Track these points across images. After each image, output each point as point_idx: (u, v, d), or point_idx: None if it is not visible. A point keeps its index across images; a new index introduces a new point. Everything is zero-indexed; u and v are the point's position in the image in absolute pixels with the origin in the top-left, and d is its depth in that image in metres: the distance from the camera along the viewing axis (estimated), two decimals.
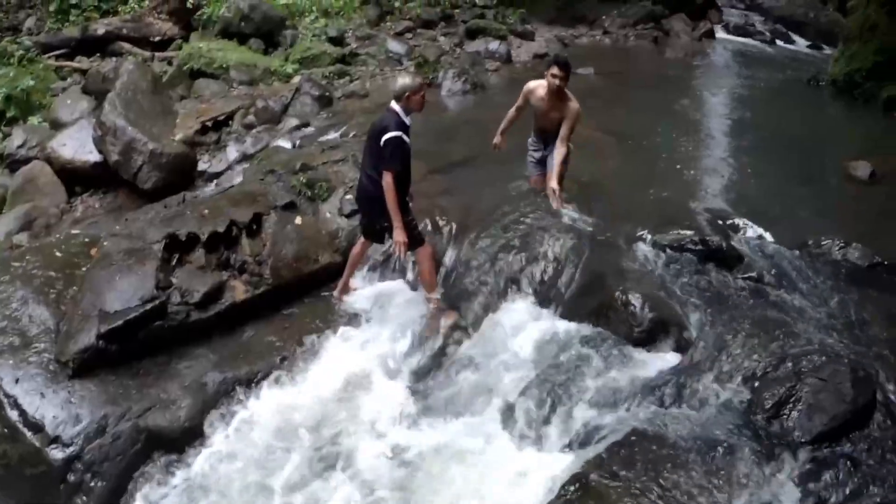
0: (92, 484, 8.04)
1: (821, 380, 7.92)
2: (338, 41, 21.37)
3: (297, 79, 18.41)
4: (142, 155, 13.77)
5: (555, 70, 10.52)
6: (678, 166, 14.06)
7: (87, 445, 8.13)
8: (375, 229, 9.75)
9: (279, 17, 22.01)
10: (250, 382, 8.95)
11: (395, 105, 9.25)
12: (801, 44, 30.85)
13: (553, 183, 10.67)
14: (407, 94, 9.19)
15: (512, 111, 11.23)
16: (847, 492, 7.05)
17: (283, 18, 22.16)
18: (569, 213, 10.81)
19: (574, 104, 10.70)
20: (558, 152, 10.70)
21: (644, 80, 21.77)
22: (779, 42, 30.64)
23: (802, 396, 7.80)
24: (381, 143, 9.01)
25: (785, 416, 7.68)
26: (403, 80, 9.37)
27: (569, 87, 10.72)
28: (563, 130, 10.70)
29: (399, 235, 9.17)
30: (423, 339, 9.48)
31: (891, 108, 18.47)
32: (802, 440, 7.47)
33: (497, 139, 11.37)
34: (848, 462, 7.29)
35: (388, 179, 9.00)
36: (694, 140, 16.17)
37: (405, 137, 9.10)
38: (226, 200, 10.92)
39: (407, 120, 9.20)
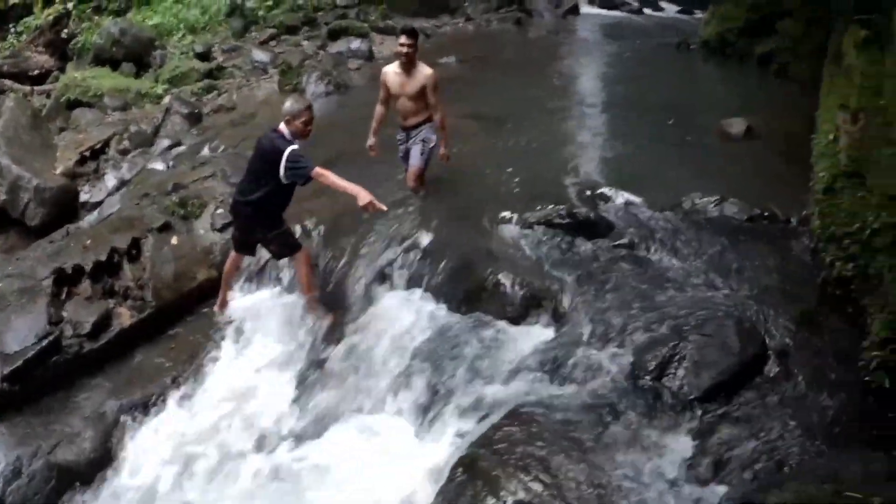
0: None
1: (705, 335, 7.94)
2: (205, 56, 21.10)
3: (167, 99, 18.16)
4: (27, 192, 13.60)
5: (402, 39, 10.61)
6: (547, 144, 13.81)
7: (6, 488, 8.15)
8: (248, 243, 9.80)
9: (149, 38, 21.68)
10: (146, 407, 9.05)
11: (282, 127, 9.17)
12: (670, 10, 30.64)
13: (411, 182, 10.87)
14: (287, 118, 9.12)
15: (378, 107, 11.09)
16: (742, 443, 7.07)
17: (153, 39, 21.83)
18: (434, 201, 10.90)
19: (427, 69, 10.66)
20: (437, 127, 10.79)
21: (508, 62, 21.43)
22: (647, 10, 30.31)
23: (687, 354, 7.78)
24: (282, 163, 8.85)
25: (671, 375, 7.66)
26: (285, 105, 9.28)
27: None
28: (430, 98, 10.63)
29: (363, 196, 8.91)
30: (305, 342, 9.56)
31: (765, 63, 18.63)
32: (692, 397, 7.48)
33: (370, 140, 11.23)
34: (741, 413, 7.36)
35: (317, 169, 8.88)
36: (562, 116, 15.91)
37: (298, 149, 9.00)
38: (106, 228, 10.99)
39: (295, 144, 9.03)
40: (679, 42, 22.24)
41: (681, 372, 7.68)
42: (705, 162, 13.03)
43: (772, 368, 7.88)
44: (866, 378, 7.31)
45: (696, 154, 13.35)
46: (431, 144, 10.93)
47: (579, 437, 7.05)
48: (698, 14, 26.90)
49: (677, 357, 7.79)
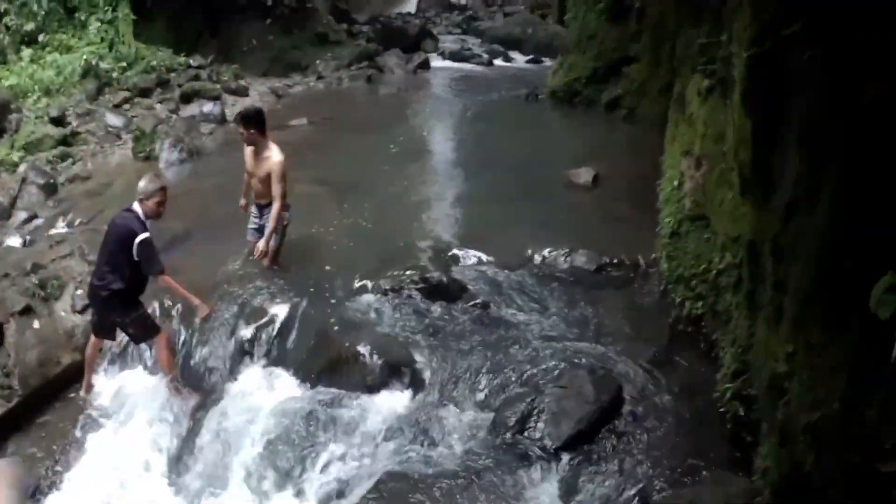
0: None
1: (561, 387, 8.32)
2: (59, 121, 20.40)
3: (22, 167, 17.61)
4: None
5: (240, 128, 10.79)
6: (397, 207, 14.03)
7: None
8: (106, 326, 9.76)
9: (4, 99, 20.75)
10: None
11: (136, 206, 9.20)
12: (519, 60, 31.25)
13: (260, 244, 10.87)
14: (140, 197, 9.18)
15: (245, 175, 11.13)
16: (606, 484, 7.46)
17: (8, 102, 20.87)
18: (288, 276, 11.02)
19: (274, 156, 10.70)
20: (272, 218, 10.77)
21: (358, 122, 21.44)
22: (497, 62, 30.87)
23: (545, 406, 8.16)
24: (134, 247, 8.96)
25: (531, 429, 8.04)
26: (140, 184, 9.33)
27: (283, 141, 11.11)
28: (273, 186, 10.66)
29: (203, 308, 9.54)
30: (173, 423, 9.52)
31: (612, 108, 19.24)
32: (554, 447, 7.87)
33: (242, 202, 11.41)
34: (603, 456, 7.75)
35: (166, 279, 9.27)
36: (412, 177, 15.98)
37: (150, 238, 9.11)
38: None
39: (147, 223, 9.14)
40: (528, 93, 22.76)
41: (540, 424, 8.09)
42: (554, 213, 13.36)
43: (630, 409, 8.31)
44: (722, 409, 7.66)
45: (544, 206, 13.64)
46: (284, 223, 11.07)
47: (451, 494, 7.35)
48: (547, 62, 27.86)
49: (536, 410, 8.20)
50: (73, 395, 10.20)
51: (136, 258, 9.05)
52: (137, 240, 8.95)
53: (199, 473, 8.90)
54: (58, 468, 9.21)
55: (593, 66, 20.66)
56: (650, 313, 9.94)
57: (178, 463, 9.15)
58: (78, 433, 9.60)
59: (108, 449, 9.36)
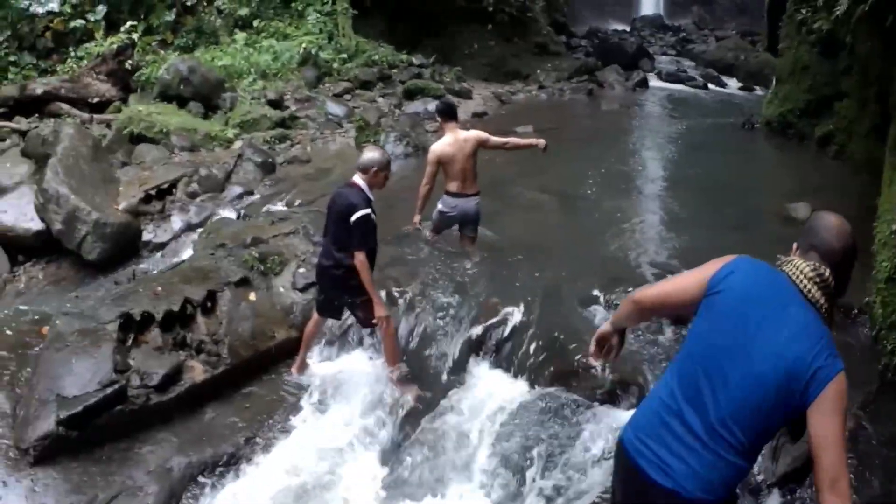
0: None
1: None
2: (277, 104, 21.28)
3: (237, 144, 18.26)
4: (86, 225, 13.53)
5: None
6: (619, 221, 14.14)
7: None
8: (333, 305, 9.69)
9: (218, 79, 21.81)
10: (216, 466, 8.75)
11: (358, 179, 9.18)
12: (732, 86, 31.90)
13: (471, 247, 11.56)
14: (375, 169, 9.13)
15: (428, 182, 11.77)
16: None
17: (222, 81, 21.96)
18: (522, 275, 11.06)
19: (472, 131, 11.93)
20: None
21: (581, 134, 22.05)
22: (711, 86, 31.65)
23: None
24: (350, 223, 8.92)
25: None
26: (372, 155, 9.28)
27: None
28: (494, 141, 11.85)
29: (380, 311, 9.18)
30: (388, 413, 9.41)
31: (824, 145, 18.99)
32: (768, 483, 7.61)
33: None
34: (806, 499, 7.44)
35: (360, 258, 8.96)
36: (633, 193, 16.42)
37: (372, 215, 9.04)
38: (178, 277, 10.76)
39: (371, 195, 9.13)
40: (744, 122, 23.20)
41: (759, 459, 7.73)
42: (770, 246, 12.82)
43: None
44: None
45: (760, 238, 13.38)
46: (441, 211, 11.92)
47: None
48: (758, 91, 28.81)
49: None
50: (283, 370, 10.19)
51: (351, 230, 8.99)
52: (357, 215, 8.91)
53: (414, 469, 8.73)
54: (258, 440, 9.18)
55: (806, 99, 20.77)
56: (859, 359, 9.37)
57: (391, 455, 9.03)
58: (284, 410, 9.58)
59: (315, 431, 9.31)
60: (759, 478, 7.61)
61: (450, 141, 11.56)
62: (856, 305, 10.29)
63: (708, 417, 4.54)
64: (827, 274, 4.63)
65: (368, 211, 8.99)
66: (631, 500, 4.93)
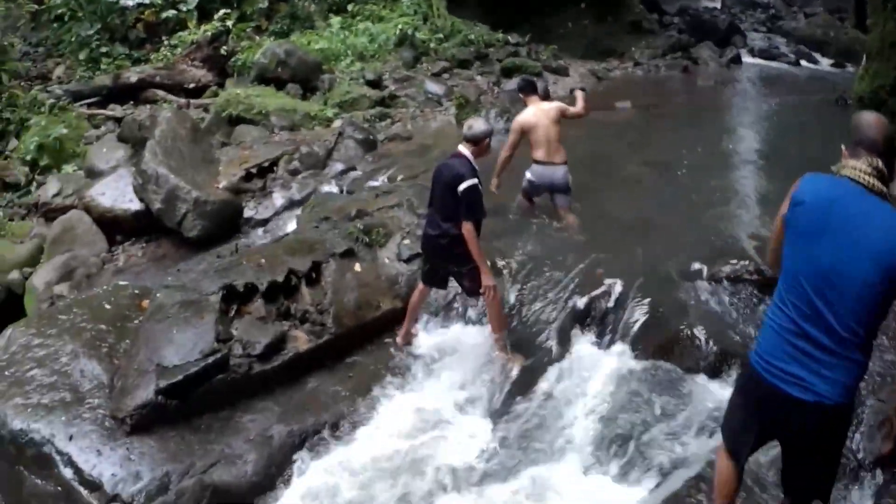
0: None
1: (880, 401, 7.97)
2: (375, 84, 21.42)
3: (337, 123, 18.33)
4: (186, 203, 13.55)
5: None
6: (720, 195, 14.02)
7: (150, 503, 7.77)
8: (438, 275, 9.68)
9: (315, 62, 21.95)
10: (317, 434, 8.70)
11: (464, 149, 9.20)
12: (823, 63, 31.61)
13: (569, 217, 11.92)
14: (487, 140, 9.26)
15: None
16: None
17: (319, 63, 22.09)
18: (623, 249, 11.00)
19: (554, 102, 12.64)
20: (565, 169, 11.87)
21: (679, 109, 22.25)
22: (803, 62, 31.48)
23: (864, 418, 7.81)
24: (459, 192, 8.91)
25: (848, 438, 7.29)
26: (479, 125, 9.38)
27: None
28: (573, 111, 12.18)
29: (487, 280, 9.16)
30: (493, 381, 9.36)
31: None
32: (868, 461, 7.48)
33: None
34: None
35: (468, 228, 8.96)
36: (732, 168, 16.35)
37: (479, 185, 9.03)
38: (282, 249, 10.78)
39: (476, 178, 9.09)
40: (837, 98, 22.60)
41: (857, 436, 7.72)
42: None
43: None
44: None
45: None
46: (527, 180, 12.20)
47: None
48: (849, 68, 28.48)
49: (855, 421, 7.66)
50: (387, 340, 10.16)
51: (459, 201, 8.99)
52: (465, 185, 8.92)
53: (518, 436, 8.68)
54: (361, 410, 9.12)
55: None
56: None
57: (496, 423, 8.94)
58: (388, 379, 9.56)
59: (420, 398, 9.29)
60: (859, 456, 7.52)
61: (532, 111, 11.88)
62: None
63: (834, 329, 5.08)
64: (880, 165, 5.28)
65: (476, 181, 9.00)
66: (768, 416, 5.48)
